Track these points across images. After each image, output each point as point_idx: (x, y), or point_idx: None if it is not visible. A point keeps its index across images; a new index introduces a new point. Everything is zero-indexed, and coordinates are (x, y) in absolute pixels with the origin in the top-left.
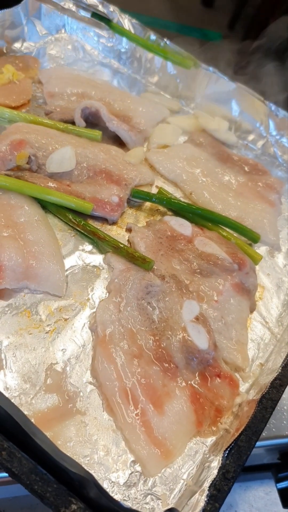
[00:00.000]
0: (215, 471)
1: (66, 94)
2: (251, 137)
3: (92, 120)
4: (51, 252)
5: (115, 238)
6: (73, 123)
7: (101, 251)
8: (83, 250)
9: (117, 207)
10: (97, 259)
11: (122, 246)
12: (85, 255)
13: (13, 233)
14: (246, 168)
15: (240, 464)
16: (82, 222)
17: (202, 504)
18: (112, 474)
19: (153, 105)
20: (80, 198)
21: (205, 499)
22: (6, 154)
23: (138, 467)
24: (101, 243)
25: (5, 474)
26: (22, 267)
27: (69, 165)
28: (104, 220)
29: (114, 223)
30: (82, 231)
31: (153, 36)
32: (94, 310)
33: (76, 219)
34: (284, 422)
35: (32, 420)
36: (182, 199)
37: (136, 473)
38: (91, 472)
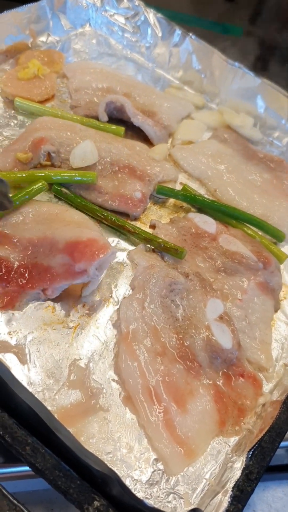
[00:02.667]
0: (238, 472)
1: (91, 88)
2: (276, 133)
3: (117, 115)
4: None
5: None
6: (98, 118)
7: (130, 243)
8: None
9: (140, 203)
10: (121, 255)
11: (153, 237)
12: None
13: (82, 225)
14: (271, 165)
15: (263, 465)
16: (110, 216)
17: (225, 504)
18: (135, 472)
19: (178, 101)
20: (103, 193)
21: (229, 500)
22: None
23: (160, 466)
24: (131, 236)
25: (25, 468)
26: None
27: (92, 159)
28: (126, 216)
29: (137, 219)
30: (111, 225)
31: (178, 31)
32: (118, 306)
33: (103, 213)
34: None
35: (55, 416)
36: (206, 196)
37: (158, 471)
38: (114, 469)
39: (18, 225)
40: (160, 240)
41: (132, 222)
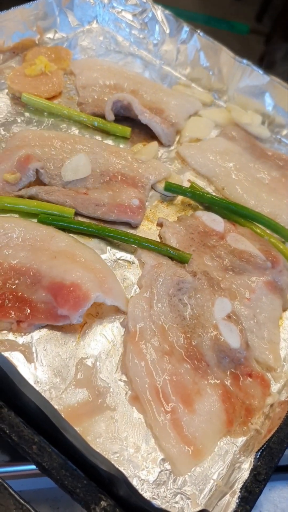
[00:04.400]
0: (246, 473)
1: (99, 85)
2: (284, 131)
3: (124, 113)
4: (104, 266)
5: (146, 232)
6: (104, 116)
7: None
8: (114, 244)
9: (138, 210)
10: (128, 253)
11: (160, 245)
12: (116, 250)
13: (69, 258)
14: (279, 163)
15: (271, 466)
16: (106, 230)
17: (233, 506)
18: (142, 472)
19: (185, 98)
20: (100, 205)
21: (237, 501)
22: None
23: (167, 466)
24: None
25: (31, 467)
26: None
27: (84, 171)
28: (128, 224)
29: (137, 226)
30: (111, 238)
31: (186, 28)
32: None
33: (99, 233)
34: None
35: (62, 415)
36: (214, 194)
37: (165, 472)
38: (121, 469)
39: (1, 247)
40: (161, 246)
41: None
